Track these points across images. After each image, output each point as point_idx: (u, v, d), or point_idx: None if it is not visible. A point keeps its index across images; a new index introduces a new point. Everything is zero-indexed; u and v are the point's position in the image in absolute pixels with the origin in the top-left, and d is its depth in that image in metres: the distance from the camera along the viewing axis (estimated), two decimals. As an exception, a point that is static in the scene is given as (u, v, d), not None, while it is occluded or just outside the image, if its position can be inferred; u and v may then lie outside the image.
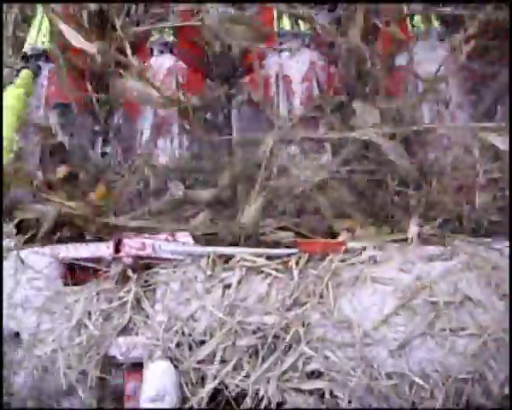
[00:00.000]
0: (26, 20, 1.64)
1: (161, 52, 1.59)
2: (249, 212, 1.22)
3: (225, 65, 1.53)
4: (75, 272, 1.21)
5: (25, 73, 1.53)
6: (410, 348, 1.08)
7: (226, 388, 1.11)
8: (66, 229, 1.26)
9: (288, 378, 1.11)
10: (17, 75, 1.53)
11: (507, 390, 1.05)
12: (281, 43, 1.54)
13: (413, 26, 1.57)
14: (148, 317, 1.15)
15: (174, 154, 1.44)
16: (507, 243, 1.15)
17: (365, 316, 1.10)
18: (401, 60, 1.45)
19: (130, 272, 1.18)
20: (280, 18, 1.57)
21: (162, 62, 1.56)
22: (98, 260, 1.19)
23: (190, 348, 1.13)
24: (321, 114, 1.38)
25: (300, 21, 1.56)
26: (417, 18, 1.57)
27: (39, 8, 1.65)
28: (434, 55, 1.47)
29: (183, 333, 1.13)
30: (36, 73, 1.53)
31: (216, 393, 1.12)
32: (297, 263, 1.16)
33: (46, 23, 1.59)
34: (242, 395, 1.11)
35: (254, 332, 1.11)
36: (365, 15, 1.41)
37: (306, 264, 1.16)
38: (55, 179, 1.37)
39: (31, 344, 1.15)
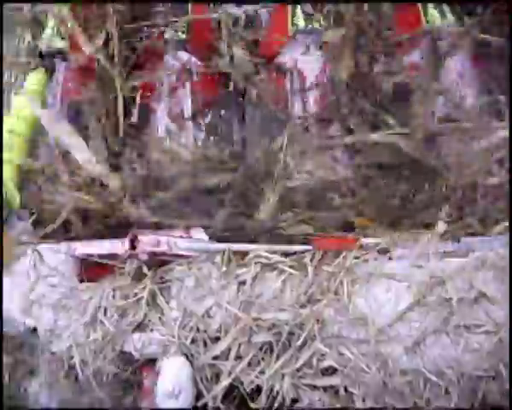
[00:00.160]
0: (40, 22, 1.64)
1: (175, 49, 1.59)
2: (266, 207, 1.22)
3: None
4: (90, 269, 1.22)
5: (38, 72, 1.54)
6: (424, 344, 1.08)
7: (241, 384, 1.12)
8: (82, 225, 1.27)
9: (303, 375, 1.11)
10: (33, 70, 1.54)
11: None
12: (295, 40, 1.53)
13: (427, 21, 1.55)
14: (163, 313, 1.16)
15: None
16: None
17: (380, 313, 1.10)
18: (414, 57, 1.44)
19: (145, 269, 1.18)
20: (294, 16, 1.57)
21: (176, 59, 1.56)
22: (113, 256, 1.20)
23: (205, 344, 1.13)
24: (337, 114, 1.37)
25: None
26: (432, 12, 1.56)
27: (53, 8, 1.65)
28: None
29: (197, 329, 1.13)
30: (51, 72, 1.53)
31: (231, 389, 1.13)
32: (311, 260, 1.16)
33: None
34: (257, 391, 1.12)
35: (269, 329, 1.11)
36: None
37: (321, 260, 1.16)
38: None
39: (47, 340, 1.16)
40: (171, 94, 1.48)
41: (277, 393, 1.10)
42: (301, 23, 1.55)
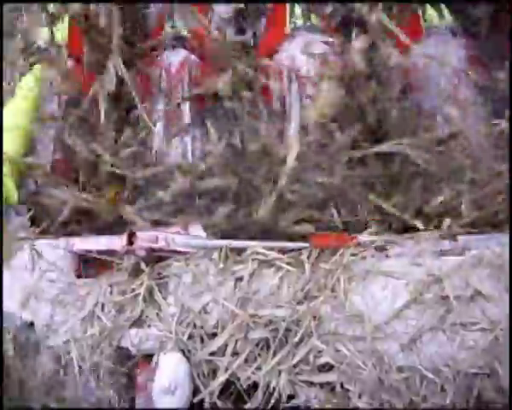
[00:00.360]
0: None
1: (174, 47, 1.59)
2: (266, 206, 1.23)
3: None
4: (88, 265, 1.22)
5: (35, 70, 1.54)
6: (420, 342, 1.09)
7: (238, 380, 1.12)
8: (80, 221, 1.27)
9: (299, 371, 1.11)
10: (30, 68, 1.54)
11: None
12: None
13: (425, 20, 1.56)
14: (160, 309, 1.16)
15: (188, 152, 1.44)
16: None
17: (376, 310, 1.10)
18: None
19: (142, 265, 1.19)
20: (292, 13, 1.57)
21: (174, 57, 1.56)
22: (111, 252, 1.20)
23: (202, 340, 1.13)
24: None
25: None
26: (430, 12, 1.56)
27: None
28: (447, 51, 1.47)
29: (194, 325, 1.14)
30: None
31: (227, 385, 1.13)
32: (309, 257, 1.16)
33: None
34: (253, 387, 1.12)
35: (266, 325, 1.11)
36: None
37: (318, 257, 1.17)
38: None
39: (44, 335, 1.17)
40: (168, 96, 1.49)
41: (274, 389, 1.10)
42: (299, 21, 1.56)
